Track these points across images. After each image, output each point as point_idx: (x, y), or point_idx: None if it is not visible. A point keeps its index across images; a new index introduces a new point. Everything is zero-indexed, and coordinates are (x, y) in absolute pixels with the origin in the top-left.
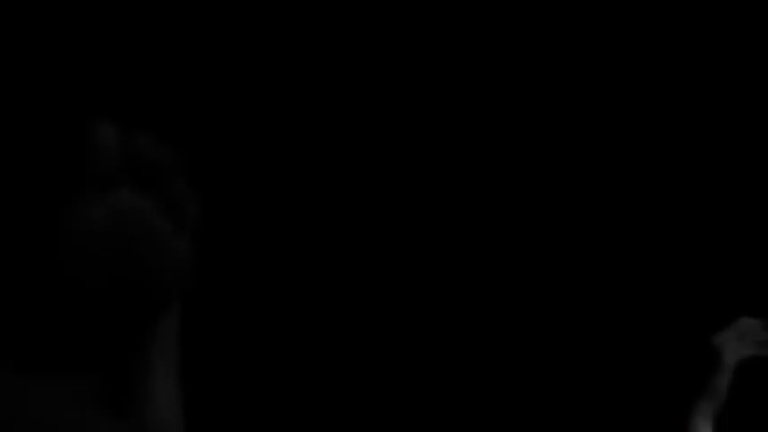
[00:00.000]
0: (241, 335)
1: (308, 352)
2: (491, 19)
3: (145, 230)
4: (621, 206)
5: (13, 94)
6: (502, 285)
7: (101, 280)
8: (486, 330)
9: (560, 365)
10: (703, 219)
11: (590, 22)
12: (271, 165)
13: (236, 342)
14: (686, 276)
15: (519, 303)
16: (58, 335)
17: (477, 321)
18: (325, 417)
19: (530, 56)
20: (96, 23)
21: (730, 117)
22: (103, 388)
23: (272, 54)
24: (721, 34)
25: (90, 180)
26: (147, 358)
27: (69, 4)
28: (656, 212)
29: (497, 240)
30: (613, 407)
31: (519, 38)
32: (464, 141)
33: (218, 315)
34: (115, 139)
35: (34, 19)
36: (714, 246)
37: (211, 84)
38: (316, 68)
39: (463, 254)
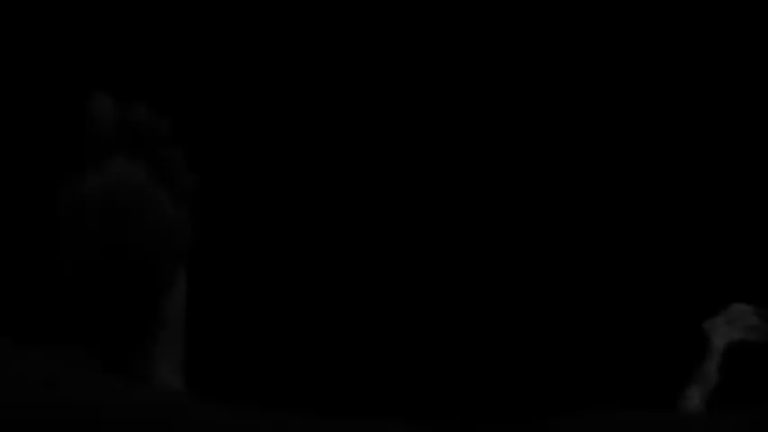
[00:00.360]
0: (242, 311)
1: (310, 329)
2: (491, 19)
3: (139, 198)
4: (612, 197)
5: (12, 68)
6: (500, 293)
7: (95, 246)
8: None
9: (551, 354)
10: (695, 207)
11: (590, 22)
12: (269, 136)
13: (237, 320)
14: (677, 264)
15: (513, 300)
16: (56, 305)
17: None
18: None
19: (530, 56)
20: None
21: (722, 111)
22: (103, 362)
23: (268, 28)
24: (721, 34)
25: (87, 150)
26: (150, 343)
27: None
28: (648, 201)
29: (493, 241)
30: (605, 392)
31: (519, 38)
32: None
33: (218, 288)
34: (112, 110)
35: None
36: (706, 234)
37: (208, 55)
38: (311, 42)
39: (460, 244)
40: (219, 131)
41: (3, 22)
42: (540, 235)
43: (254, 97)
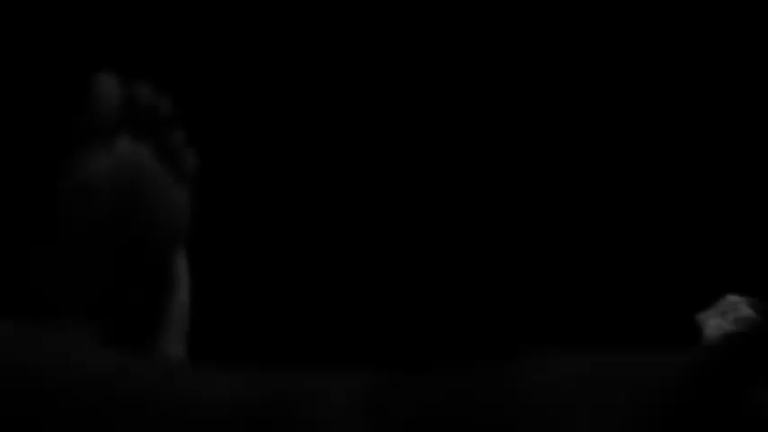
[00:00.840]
0: (240, 294)
1: (310, 306)
2: (491, 19)
3: (144, 176)
4: (603, 187)
5: (15, 47)
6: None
7: (99, 225)
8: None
9: (540, 343)
10: (687, 197)
11: (590, 22)
12: (270, 117)
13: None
14: (669, 255)
15: (510, 296)
16: (65, 283)
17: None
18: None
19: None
20: None
21: (715, 108)
22: (114, 334)
23: (267, 10)
24: (721, 34)
25: (92, 129)
26: (152, 343)
27: None
28: (639, 192)
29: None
30: None
31: (519, 38)
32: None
33: (217, 270)
34: (117, 89)
35: None
36: (698, 225)
37: (211, 35)
38: (315, 21)
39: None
40: (221, 111)
41: (7, 4)
42: (528, 219)
43: (255, 81)
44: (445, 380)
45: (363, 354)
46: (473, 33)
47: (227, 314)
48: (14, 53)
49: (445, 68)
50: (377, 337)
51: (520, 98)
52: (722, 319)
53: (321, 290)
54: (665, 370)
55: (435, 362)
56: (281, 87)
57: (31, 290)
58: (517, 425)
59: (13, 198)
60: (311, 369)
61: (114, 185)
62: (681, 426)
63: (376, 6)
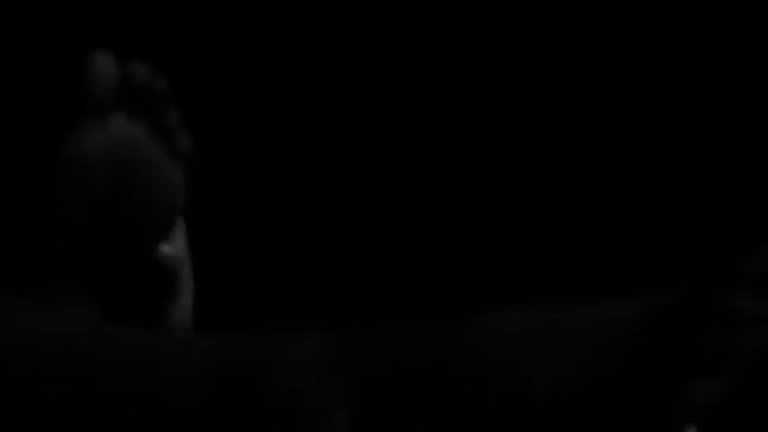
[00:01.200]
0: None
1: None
2: (491, 19)
3: (139, 155)
4: (596, 185)
5: (12, 26)
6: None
7: (96, 202)
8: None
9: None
10: (684, 195)
11: (590, 22)
12: (266, 97)
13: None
14: (665, 253)
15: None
16: (64, 267)
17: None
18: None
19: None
20: None
21: (714, 108)
22: (112, 315)
23: None
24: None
25: (87, 107)
26: (160, 316)
27: None
28: (631, 189)
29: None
30: None
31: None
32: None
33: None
34: (113, 68)
35: None
36: (694, 223)
37: (207, 15)
38: (314, 7)
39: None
40: (216, 94)
41: None
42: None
43: (250, 60)
44: (412, 337)
45: (335, 307)
46: (473, 33)
47: (221, 287)
48: (9, 34)
49: (441, 61)
50: (348, 290)
51: (512, 80)
52: None
53: (312, 255)
54: (621, 313)
55: (400, 317)
56: (277, 67)
57: (30, 276)
58: (487, 379)
59: (11, 181)
60: (281, 329)
61: (109, 163)
62: (635, 367)
63: (376, 5)
